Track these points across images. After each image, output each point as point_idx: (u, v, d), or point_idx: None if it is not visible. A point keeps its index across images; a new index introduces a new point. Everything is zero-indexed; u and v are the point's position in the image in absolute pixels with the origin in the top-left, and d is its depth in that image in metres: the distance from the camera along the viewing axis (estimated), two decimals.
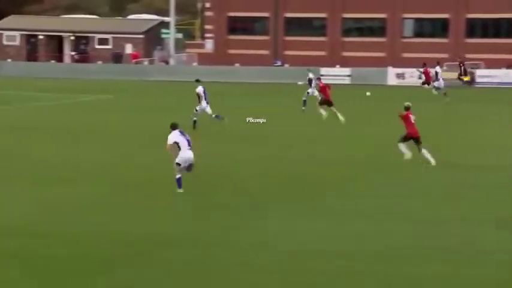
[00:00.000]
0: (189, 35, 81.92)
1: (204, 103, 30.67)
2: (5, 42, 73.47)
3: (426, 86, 47.22)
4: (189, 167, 18.66)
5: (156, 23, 75.93)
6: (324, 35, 68.79)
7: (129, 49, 72.41)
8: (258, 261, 13.08)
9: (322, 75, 60.83)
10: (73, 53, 73.14)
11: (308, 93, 37.50)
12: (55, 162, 22.72)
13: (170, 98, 46.54)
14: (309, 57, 65.86)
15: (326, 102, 33.90)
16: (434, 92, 44.81)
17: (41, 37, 73.71)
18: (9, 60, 69.37)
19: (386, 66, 60.94)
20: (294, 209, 17.01)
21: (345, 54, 67.33)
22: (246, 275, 12.40)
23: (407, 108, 22.67)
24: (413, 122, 22.40)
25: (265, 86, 55.77)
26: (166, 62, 70.76)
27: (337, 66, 62.89)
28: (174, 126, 18.98)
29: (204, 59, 69.12)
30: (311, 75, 39.78)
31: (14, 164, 22.63)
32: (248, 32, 70.53)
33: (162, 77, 61.95)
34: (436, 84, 44.55)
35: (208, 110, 30.67)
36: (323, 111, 33.72)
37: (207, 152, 22.90)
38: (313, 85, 37.81)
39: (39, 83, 56.31)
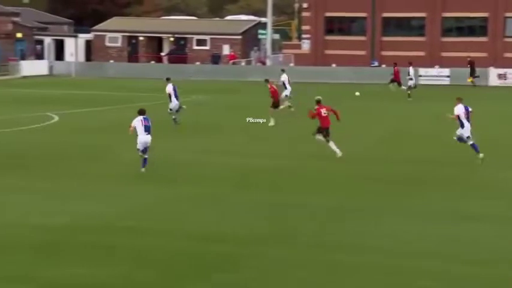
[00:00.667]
0: (285, 35, 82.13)
1: (174, 100, 31.80)
2: (107, 44, 75.30)
3: (396, 85, 47.81)
4: (145, 150, 21.56)
5: (253, 23, 76.40)
6: (422, 35, 67.75)
7: (226, 50, 73.13)
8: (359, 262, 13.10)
9: (420, 76, 60.23)
10: (162, 54, 74.35)
11: (286, 95, 37.73)
12: (162, 161, 23.30)
13: (266, 97, 46.78)
14: (406, 58, 64.84)
15: (275, 104, 33.10)
16: (392, 88, 47.19)
17: (141, 38, 75.24)
18: (111, 61, 71.10)
19: (487, 66, 59.56)
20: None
21: (444, 54, 66.11)
22: (350, 276, 12.46)
23: (318, 102, 24.07)
24: (323, 115, 23.86)
25: (362, 86, 55.41)
26: (263, 63, 71.13)
27: (436, 66, 61.82)
28: (140, 112, 21.84)
29: (301, 59, 69.14)
30: (284, 77, 39.88)
31: (120, 163, 23.27)
32: (345, 32, 70.16)
33: (258, 78, 62.23)
34: (409, 83, 46.12)
35: (176, 106, 31.82)
36: (273, 120, 32.39)
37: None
38: (287, 86, 38.30)
39: (139, 83, 57.51)
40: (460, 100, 23.53)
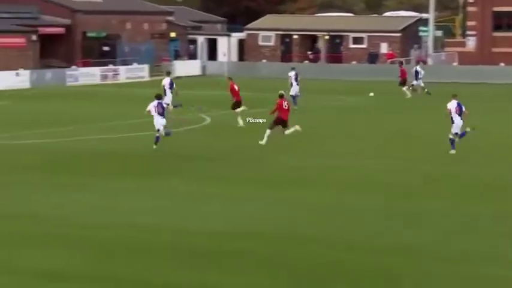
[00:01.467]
0: (449, 32, 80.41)
1: (169, 94, 34.17)
2: (260, 43, 76.34)
3: (402, 86, 46.98)
4: (168, 133, 26.49)
5: (413, 20, 75.29)
6: None
7: (384, 48, 72.44)
8: None
9: None
10: (309, 53, 74.45)
11: (291, 95, 38.68)
12: (295, 166, 23.41)
13: (424, 99, 46.02)
14: None
15: (237, 104, 33.09)
16: (406, 91, 46.20)
17: (295, 37, 75.78)
18: (264, 61, 72.01)
19: None
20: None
21: None
22: None
23: (280, 96, 27.99)
24: (284, 108, 27.56)
25: None
26: (424, 62, 69.93)
27: None
28: (157, 97, 26.65)
29: (465, 58, 67.43)
30: (292, 73, 41.09)
31: (270, 168, 23.56)
32: None
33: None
34: (414, 83, 46.11)
35: (170, 101, 34.20)
36: (240, 120, 32.52)
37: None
38: (294, 84, 40.13)
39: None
40: (454, 97, 25.81)
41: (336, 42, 74.74)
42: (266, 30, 76.42)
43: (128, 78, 63.41)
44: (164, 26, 73.67)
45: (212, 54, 75.55)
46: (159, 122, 26.24)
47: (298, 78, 41.51)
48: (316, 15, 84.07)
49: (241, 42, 76.67)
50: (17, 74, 56.39)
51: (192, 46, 75.87)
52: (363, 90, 51.12)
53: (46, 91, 52.83)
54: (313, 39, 76.04)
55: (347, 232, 16.19)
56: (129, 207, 18.64)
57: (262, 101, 44.92)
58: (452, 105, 25.56)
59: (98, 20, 67.62)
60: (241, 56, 76.08)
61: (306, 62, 71.98)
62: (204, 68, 70.46)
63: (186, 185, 21.13)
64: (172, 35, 73.77)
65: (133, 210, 18.25)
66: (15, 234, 16.07)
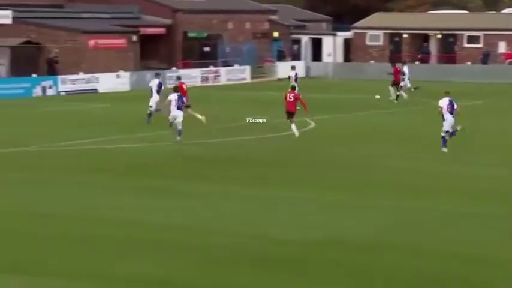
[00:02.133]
0: None
1: (155, 95, 35.39)
2: (368, 43, 76.03)
3: (392, 88, 46.38)
4: (172, 124, 28.51)
5: None
6: None
7: (502, 48, 71.13)
8: None
9: None
10: (418, 52, 73.70)
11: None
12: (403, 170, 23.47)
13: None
14: None
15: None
16: (393, 91, 46.15)
17: (405, 36, 75.18)
18: (371, 61, 71.72)
19: None
20: None
21: None
22: None
23: (292, 88, 31.29)
24: (288, 100, 30.29)
25: None
26: None
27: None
28: (175, 89, 29.47)
29: None
30: (292, 73, 42.13)
31: (373, 173, 23.73)
32: None
33: None
34: (402, 84, 46.00)
35: (156, 102, 35.22)
36: (199, 115, 33.38)
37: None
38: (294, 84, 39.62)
39: None
40: (447, 94, 26.90)
41: (449, 42, 73.78)
42: (374, 29, 76.03)
43: (228, 80, 64.12)
44: (267, 25, 74.26)
45: (317, 54, 75.59)
46: (174, 115, 28.19)
47: (298, 78, 43.40)
48: (428, 12, 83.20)
49: (347, 42, 76.49)
50: (118, 76, 57.85)
51: (295, 46, 76.13)
52: (470, 93, 50.28)
53: (146, 93, 53.90)
54: (425, 38, 75.26)
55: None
56: (232, 213, 19.02)
57: (367, 104, 44.94)
58: (444, 102, 26.61)
59: (199, 20, 68.69)
60: (347, 57, 75.90)
61: (417, 62, 71.34)
62: (308, 69, 70.59)
63: (282, 191, 21.47)
64: (275, 34, 74.22)
65: (238, 217, 18.57)
66: (118, 240, 16.55)
